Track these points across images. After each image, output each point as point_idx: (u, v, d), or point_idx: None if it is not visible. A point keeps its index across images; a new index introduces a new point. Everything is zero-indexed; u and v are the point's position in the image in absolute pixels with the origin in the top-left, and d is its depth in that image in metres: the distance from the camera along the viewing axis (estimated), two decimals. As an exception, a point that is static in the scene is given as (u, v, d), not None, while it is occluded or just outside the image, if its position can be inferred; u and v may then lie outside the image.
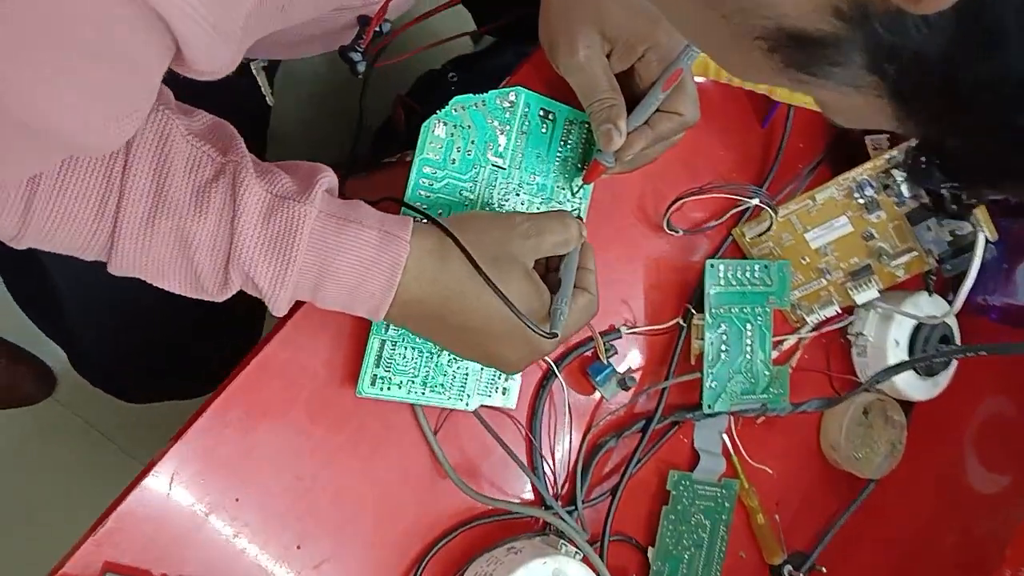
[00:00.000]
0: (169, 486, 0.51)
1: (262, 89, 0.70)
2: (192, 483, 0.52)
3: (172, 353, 0.74)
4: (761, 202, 0.66)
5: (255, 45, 0.61)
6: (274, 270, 0.46)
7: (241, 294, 0.50)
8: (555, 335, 0.49)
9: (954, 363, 0.77)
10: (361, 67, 0.52)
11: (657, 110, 0.57)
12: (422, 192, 0.56)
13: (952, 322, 0.76)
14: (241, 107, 0.67)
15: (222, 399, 0.53)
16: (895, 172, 0.67)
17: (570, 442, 0.64)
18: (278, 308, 0.48)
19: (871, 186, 0.67)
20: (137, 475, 0.51)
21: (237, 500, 0.53)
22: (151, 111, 0.45)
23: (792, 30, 0.28)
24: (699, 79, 0.70)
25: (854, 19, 0.27)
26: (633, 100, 0.57)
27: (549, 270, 0.55)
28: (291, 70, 1.30)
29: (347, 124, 0.81)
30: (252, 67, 0.68)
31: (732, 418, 0.71)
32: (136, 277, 0.47)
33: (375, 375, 0.55)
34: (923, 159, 0.33)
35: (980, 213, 0.68)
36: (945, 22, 0.25)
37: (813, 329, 0.74)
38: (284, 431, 0.54)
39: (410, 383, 0.56)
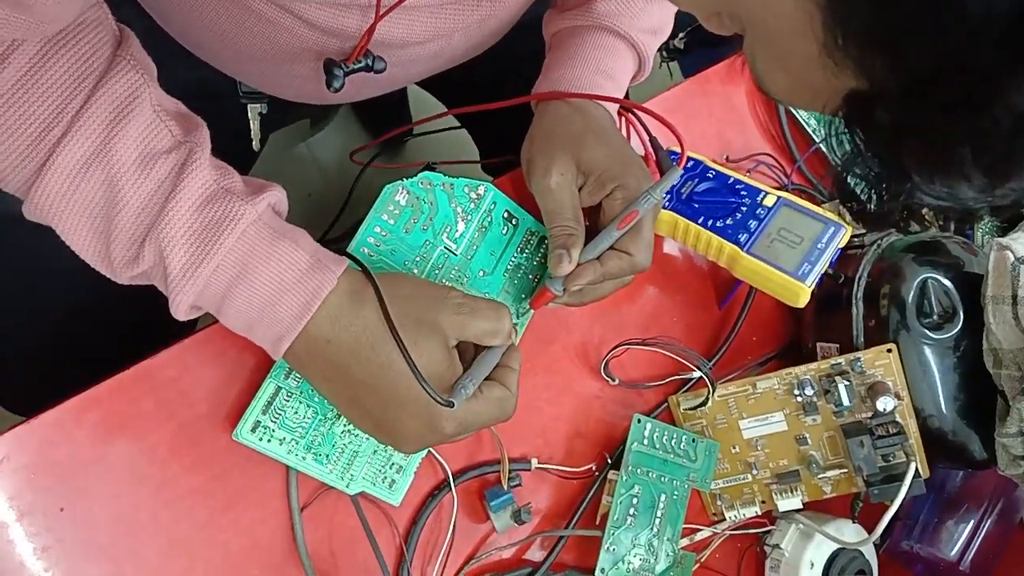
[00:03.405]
0: (-9, 470, 0.45)
1: (252, 134, 0.70)
2: (19, 475, 0.46)
3: (70, 377, 0.69)
4: (704, 374, 0.65)
5: (246, 59, 0.60)
6: (190, 256, 0.44)
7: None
8: (451, 404, 0.46)
9: (868, 604, 0.72)
10: (337, 83, 0.53)
11: (611, 248, 0.57)
12: (366, 249, 0.54)
13: (872, 559, 0.72)
14: (226, 144, 0.67)
15: (85, 397, 0.48)
16: (838, 379, 0.66)
17: (445, 567, 0.58)
18: (179, 304, 0.45)
19: (812, 387, 0.66)
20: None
21: (61, 510, 0.47)
22: (129, 69, 0.44)
23: None
24: (671, 244, 0.71)
25: None
26: (595, 236, 0.57)
27: (470, 359, 0.52)
28: (314, 160, 1.33)
29: (334, 205, 0.82)
30: (249, 110, 0.69)
31: (625, 597, 0.65)
32: (47, 225, 0.45)
33: (258, 422, 0.51)
34: (847, 130, 0.29)
35: (916, 444, 0.66)
36: None
37: (730, 527, 0.70)
38: (139, 453, 0.49)
39: (293, 442, 0.52)
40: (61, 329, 0.66)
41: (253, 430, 0.50)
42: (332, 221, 0.80)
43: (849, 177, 0.33)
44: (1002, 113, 0.25)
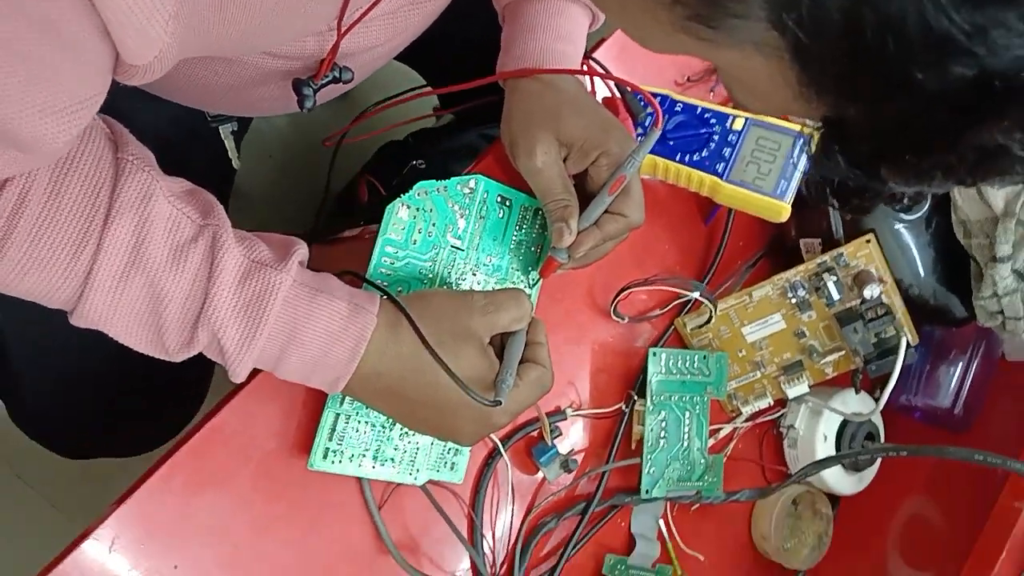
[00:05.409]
0: (109, 551, 0.50)
1: (229, 153, 0.72)
2: (131, 549, 0.51)
3: (115, 411, 0.73)
4: (702, 296, 0.70)
5: (214, 93, 0.61)
6: (242, 333, 0.47)
7: (192, 361, 0.51)
8: (499, 402, 0.51)
9: (879, 460, 0.80)
10: (309, 103, 0.54)
11: (605, 212, 0.60)
12: (383, 270, 0.57)
13: (878, 419, 0.80)
14: (209, 170, 0.69)
15: (168, 466, 0.52)
16: (826, 276, 0.71)
17: (511, 522, 0.65)
18: (238, 373, 0.49)
19: (803, 287, 0.72)
20: (75, 538, 0.50)
21: (176, 567, 0.52)
22: (135, 170, 0.46)
23: None
24: (647, 177, 0.75)
25: None
26: (586, 200, 0.61)
27: (499, 345, 0.57)
28: (260, 133, 1.32)
29: (308, 187, 0.84)
30: (221, 131, 0.71)
31: (668, 504, 0.73)
32: (96, 330, 0.47)
33: (327, 448, 0.56)
34: (826, 145, 0.32)
35: (903, 319, 0.73)
36: None
37: (747, 419, 0.77)
38: (226, 499, 0.54)
39: (361, 457, 0.57)
40: (104, 373, 0.69)
41: (324, 457, 0.55)
42: (318, 210, 0.82)
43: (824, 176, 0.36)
44: (967, 150, 0.28)
